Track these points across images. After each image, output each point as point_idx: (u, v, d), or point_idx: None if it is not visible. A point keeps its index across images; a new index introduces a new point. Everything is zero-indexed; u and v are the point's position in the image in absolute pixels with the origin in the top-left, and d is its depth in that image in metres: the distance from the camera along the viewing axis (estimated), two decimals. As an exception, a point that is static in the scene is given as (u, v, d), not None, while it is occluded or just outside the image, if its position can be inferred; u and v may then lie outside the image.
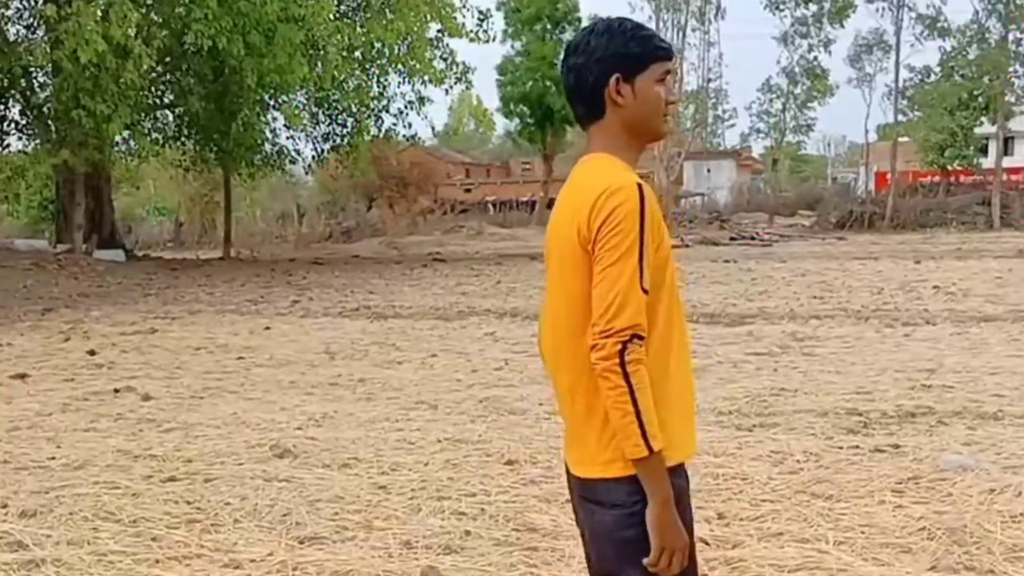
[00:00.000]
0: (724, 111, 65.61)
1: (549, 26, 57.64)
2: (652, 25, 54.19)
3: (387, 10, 27.81)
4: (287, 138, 27.85)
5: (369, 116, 29.48)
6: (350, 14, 28.63)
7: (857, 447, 6.99)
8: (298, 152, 30.33)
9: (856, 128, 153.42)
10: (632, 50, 2.54)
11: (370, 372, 10.64)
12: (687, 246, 40.28)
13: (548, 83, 56.07)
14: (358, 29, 27.15)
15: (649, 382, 2.38)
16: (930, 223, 44.86)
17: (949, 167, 53.10)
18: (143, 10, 24.09)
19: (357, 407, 8.83)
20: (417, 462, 6.85)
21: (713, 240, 42.51)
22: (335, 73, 25.56)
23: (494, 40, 31.06)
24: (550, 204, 63.50)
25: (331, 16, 24.77)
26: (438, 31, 29.97)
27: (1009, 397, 8.58)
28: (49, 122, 26.34)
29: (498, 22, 57.50)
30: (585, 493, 2.56)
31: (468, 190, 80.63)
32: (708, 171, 79.36)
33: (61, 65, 22.78)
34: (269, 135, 26.17)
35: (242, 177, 33.75)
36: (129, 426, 8.17)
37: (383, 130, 30.80)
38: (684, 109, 59.84)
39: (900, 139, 51.27)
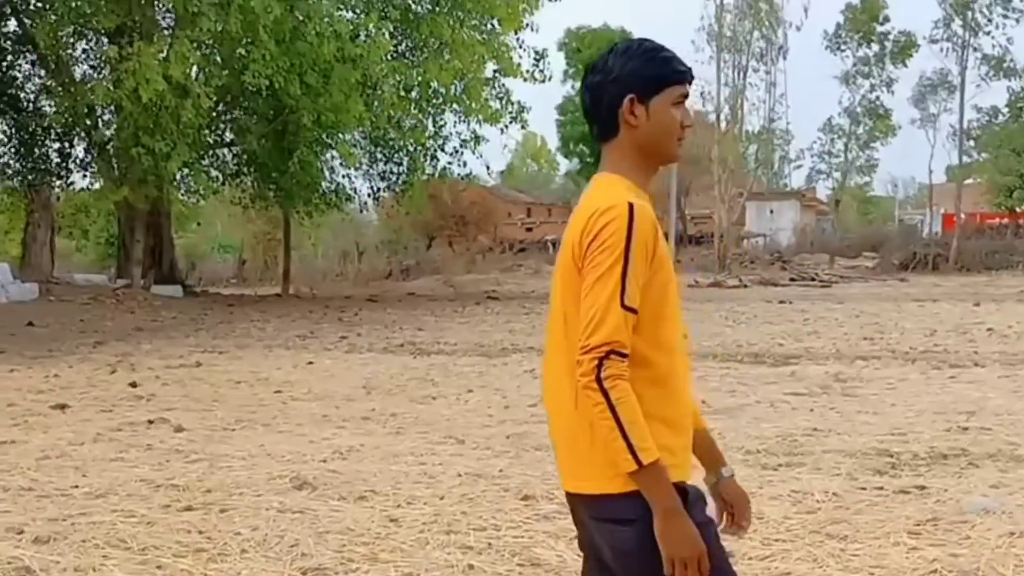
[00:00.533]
0: (787, 151, 65.45)
1: (610, 67, 57.92)
2: (713, 65, 54.52)
3: (444, 50, 28.08)
4: (343, 176, 28.10)
5: (424, 155, 29.71)
6: (406, 54, 28.93)
7: (881, 488, 6.84)
8: (355, 190, 30.67)
9: (921, 169, 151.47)
10: (649, 71, 2.56)
11: (404, 407, 10.65)
12: (745, 286, 40.00)
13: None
14: (414, 69, 27.41)
15: (633, 397, 2.36)
16: (995, 265, 44.14)
17: (1017, 209, 52.26)
18: (203, 51, 24.53)
19: (384, 441, 8.83)
20: (433, 495, 6.82)
21: (772, 281, 42.12)
22: (391, 112, 25.82)
23: (549, 80, 31.22)
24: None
25: (386, 56, 25.04)
26: (495, 71, 30.20)
27: (1048, 439, 8.38)
28: (112, 160, 26.86)
29: (559, 62, 57.93)
30: (598, 512, 2.51)
31: (529, 229, 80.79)
32: (771, 212, 78.68)
33: (122, 104, 23.24)
34: (326, 173, 26.40)
35: (299, 215, 34.16)
36: (157, 456, 8.24)
37: (438, 169, 31.02)
38: (745, 151, 59.76)
39: (968, 181, 50.64)
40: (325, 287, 41.15)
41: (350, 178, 29.66)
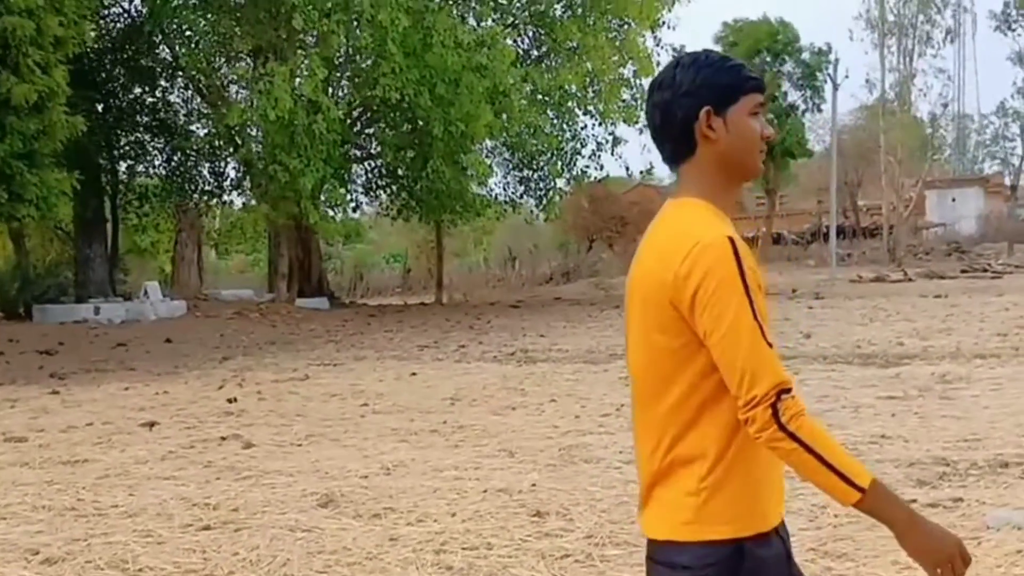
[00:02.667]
0: (980, 135, 62.77)
1: (768, 58, 56.63)
2: (876, 51, 52.78)
3: (575, 54, 27.97)
4: (478, 184, 28.23)
5: (558, 160, 29.61)
6: (534, 60, 28.92)
7: (913, 501, 6.43)
8: (496, 198, 30.76)
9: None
10: (722, 81, 2.40)
11: (477, 419, 10.61)
12: (910, 280, 38.52)
13: (768, 116, 55.06)
14: (547, 74, 27.35)
15: (821, 427, 2.26)
16: None
17: None
18: (333, 67, 25.08)
19: (437, 454, 8.80)
20: (447, 512, 6.76)
21: (940, 273, 40.41)
22: (520, 119, 25.84)
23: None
24: (775, 240, 62.38)
25: (513, 64, 25.06)
26: (633, 71, 29.95)
27: None
28: (255, 177, 27.75)
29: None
30: (656, 555, 2.41)
31: (697, 227, 79.78)
32: (953, 200, 75.63)
33: (256, 123, 23.96)
34: (461, 182, 26.60)
35: (446, 224, 34.60)
36: (209, 474, 8.40)
37: (575, 173, 30.91)
38: (931, 136, 57.72)
39: None
40: (481, 294, 41.49)
41: (488, 186, 29.81)
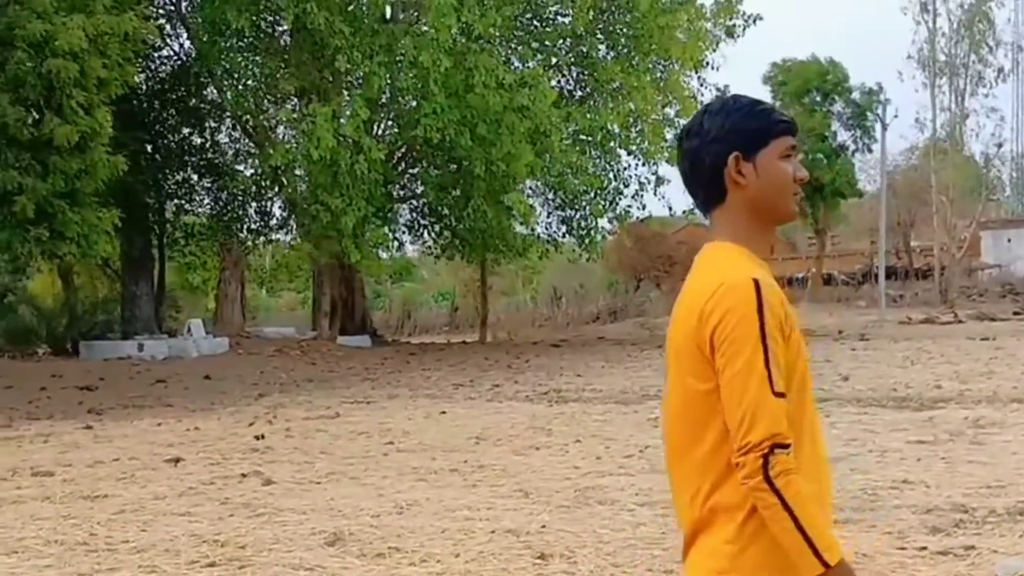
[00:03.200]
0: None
1: (818, 98, 56.43)
2: (926, 91, 52.32)
3: (616, 94, 28.04)
4: (520, 224, 28.22)
5: (600, 199, 29.55)
6: (577, 100, 28.97)
7: (924, 548, 6.35)
8: (538, 237, 30.76)
9: None
10: (751, 125, 2.39)
11: (499, 459, 10.56)
12: (960, 322, 37.99)
13: (818, 156, 54.79)
14: (586, 115, 27.37)
15: (806, 491, 2.19)
16: None
17: None
18: (375, 108, 25.30)
19: (452, 494, 8.77)
20: (451, 553, 6.73)
21: (991, 315, 39.78)
22: (561, 159, 25.88)
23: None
24: (826, 280, 61.80)
25: (554, 104, 25.11)
26: (676, 111, 29.96)
27: None
28: (298, 217, 28.00)
29: (765, 96, 56.79)
30: None
31: (748, 267, 79.34)
32: (1008, 241, 74.61)
33: (299, 163, 24.21)
34: (503, 222, 26.62)
35: (487, 263, 34.70)
36: (224, 511, 8.42)
37: (618, 212, 30.81)
38: (985, 172, 57.07)
39: None
40: (525, 333, 41.44)
41: (530, 226, 29.79)
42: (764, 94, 63.86)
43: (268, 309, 54.15)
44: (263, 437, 12.63)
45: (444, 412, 14.71)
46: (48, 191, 17.46)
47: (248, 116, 28.41)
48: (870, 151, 56.29)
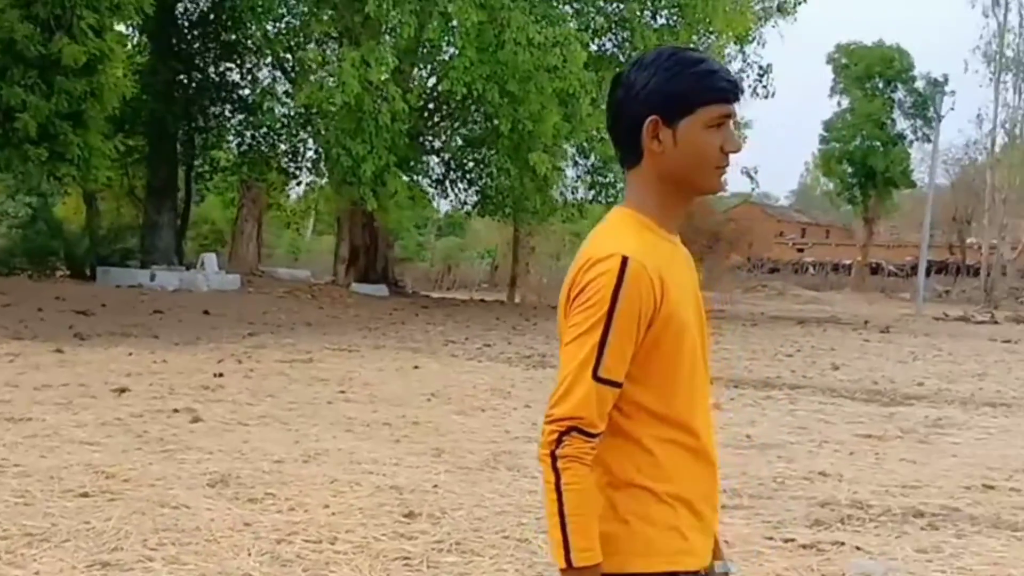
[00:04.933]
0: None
1: (881, 84, 55.44)
2: (990, 88, 51.15)
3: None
4: (545, 185, 27.90)
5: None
6: (612, 66, 28.55)
7: (791, 540, 6.17)
8: (565, 201, 30.49)
9: None
10: (675, 88, 2.16)
11: (438, 417, 10.44)
12: (995, 322, 37.24)
13: (874, 142, 53.92)
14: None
15: (589, 485, 2.10)
16: None
17: None
18: (403, 56, 25.12)
19: (368, 447, 8.67)
20: (323, 504, 6.62)
21: (1036, 317, 38.83)
22: (589, 123, 25.55)
23: (773, 96, 30.14)
24: (874, 270, 60.93)
25: (585, 67, 24.75)
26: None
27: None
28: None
29: (826, 77, 55.94)
30: None
31: (800, 250, 78.62)
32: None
33: (321, 107, 24.14)
34: (524, 183, 26.35)
35: (521, 224, 34.55)
36: (132, 444, 8.36)
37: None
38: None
39: None
40: (556, 296, 41.25)
41: (558, 189, 29.49)
42: (826, 76, 62.86)
43: (309, 251, 54.37)
44: (221, 375, 12.60)
45: (417, 367, 14.60)
46: (51, 111, 17.48)
47: (288, 54, 28.38)
48: (929, 141, 55.20)
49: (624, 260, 2.07)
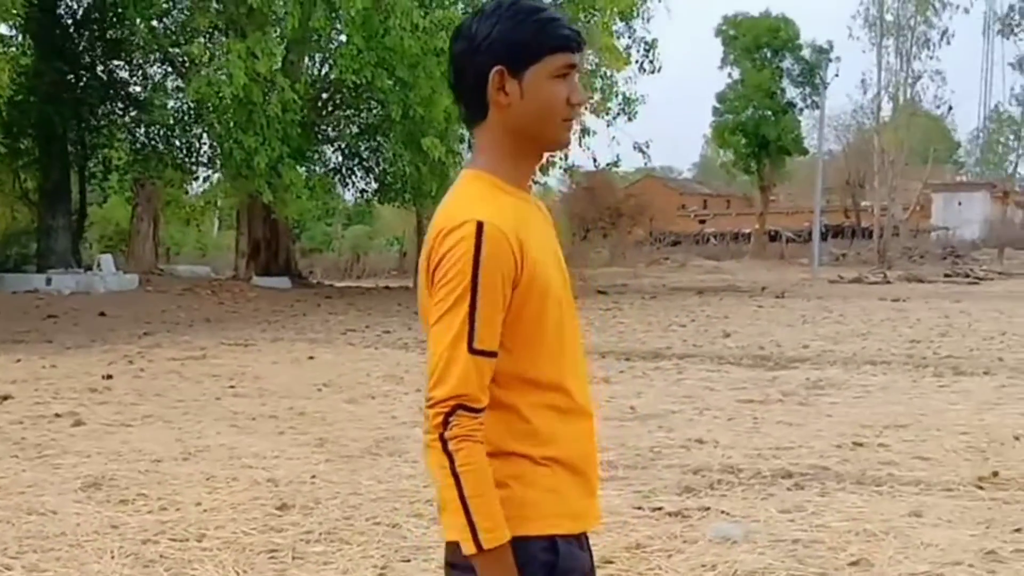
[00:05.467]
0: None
1: (769, 54, 56.28)
2: (873, 54, 52.33)
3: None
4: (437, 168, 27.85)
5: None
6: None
7: (659, 508, 6.34)
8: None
9: None
10: (520, 37, 2.08)
11: (327, 407, 10.49)
12: (887, 282, 38.24)
13: (766, 112, 54.73)
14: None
15: (483, 462, 2.04)
16: None
17: None
18: (290, 46, 24.96)
19: (249, 441, 8.68)
20: (195, 502, 6.65)
21: (920, 277, 40.08)
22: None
23: (659, 71, 30.49)
24: (773, 237, 61.93)
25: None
26: (594, 63, 29.65)
27: (933, 461, 7.58)
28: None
29: (716, 50, 56.65)
30: (448, 555, 2.20)
31: (702, 221, 79.67)
32: (959, 204, 75.05)
33: (212, 101, 23.89)
34: (420, 168, 26.30)
35: (422, 209, 34.51)
36: (7, 451, 8.28)
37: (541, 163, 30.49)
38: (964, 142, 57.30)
39: None
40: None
41: (453, 172, 29.47)
42: (716, 48, 63.61)
43: (217, 247, 53.73)
44: (110, 377, 12.49)
45: (312, 357, 14.62)
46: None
47: (174, 48, 27.99)
48: (818, 108, 56.25)
49: (479, 225, 2.01)
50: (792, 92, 55.95)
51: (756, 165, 56.76)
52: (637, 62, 30.00)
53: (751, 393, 11.01)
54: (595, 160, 32.95)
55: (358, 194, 33.05)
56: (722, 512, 6.25)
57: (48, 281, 24.71)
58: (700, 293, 30.30)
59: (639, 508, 6.37)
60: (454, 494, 2.01)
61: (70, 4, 28.44)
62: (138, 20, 27.97)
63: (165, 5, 27.70)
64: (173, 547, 5.73)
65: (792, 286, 34.28)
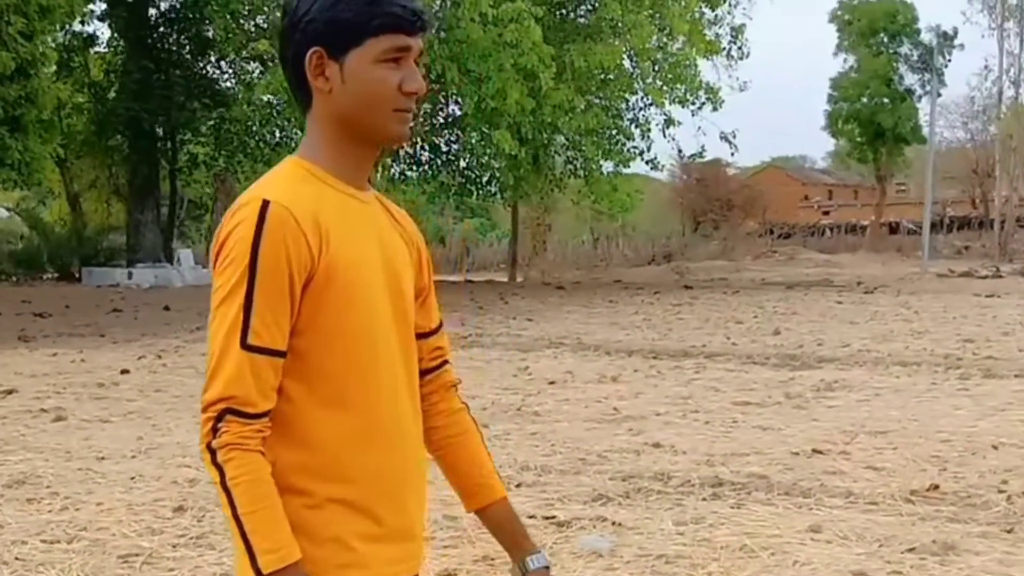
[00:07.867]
0: None
1: (886, 39, 54.53)
2: (994, 34, 50.14)
3: (612, 33, 27.27)
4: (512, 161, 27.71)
5: (603, 142, 28.84)
6: (575, 39, 28.21)
7: (551, 518, 6.09)
8: (545, 177, 30.31)
9: None
10: (340, 15, 1.85)
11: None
12: (999, 276, 36.68)
13: (882, 99, 53.12)
14: (581, 55, 26.59)
15: (258, 472, 1.78)
16: None
17: None
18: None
19: (176, 438, 8.66)
20: (97, 502, 6.63)
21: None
22: (551, 98, 25.34)
23: (747, 57, 29.76)
24: (892, 229, 60.11)
25: (537, 40, 24.46)
26: (677, 50, 29.06)
27: (885, 471, 7.15)
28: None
29: (831, 35, 55.24)
30: None
31: (826, 212, 77.79)
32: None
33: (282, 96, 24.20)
34: (492, 162, 26.25)
35: (518, 202, 34.52)
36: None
37: (624, 155, 30.06)
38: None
39: None
40: (563, 274, 41.11)
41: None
42: (830, 33, 61.95)
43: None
44: (127, 372, 12.66)
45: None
46: (-15, 119, 17.66)
47: (254, 45, 28.46)
48: (939, 95, 54.26)
49: (264, 204, 1.78)
50: (911, 79, 54.07)
51: (872, 154, 55.00)
52: (724, 49, 29.33)
53: (754, 395, 10.61)
54: (680, 151, 32.32)
55: (438, 188, 33.08)
56: (615, 523, 5.98)
57: (130, 275, 25.36)
58: (789, 288, 29.49)
59: (532, 517, 6.10)
60: (229, 512, 1.77)
61: (158, 3, 29.10)
62: (227, 16, 28.54)
63: (249, 7, 28.10)
64: (38, 548, 5.69)
65: (896, 280, 33.14)
